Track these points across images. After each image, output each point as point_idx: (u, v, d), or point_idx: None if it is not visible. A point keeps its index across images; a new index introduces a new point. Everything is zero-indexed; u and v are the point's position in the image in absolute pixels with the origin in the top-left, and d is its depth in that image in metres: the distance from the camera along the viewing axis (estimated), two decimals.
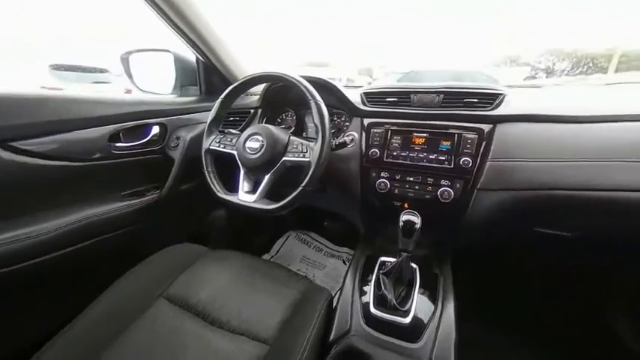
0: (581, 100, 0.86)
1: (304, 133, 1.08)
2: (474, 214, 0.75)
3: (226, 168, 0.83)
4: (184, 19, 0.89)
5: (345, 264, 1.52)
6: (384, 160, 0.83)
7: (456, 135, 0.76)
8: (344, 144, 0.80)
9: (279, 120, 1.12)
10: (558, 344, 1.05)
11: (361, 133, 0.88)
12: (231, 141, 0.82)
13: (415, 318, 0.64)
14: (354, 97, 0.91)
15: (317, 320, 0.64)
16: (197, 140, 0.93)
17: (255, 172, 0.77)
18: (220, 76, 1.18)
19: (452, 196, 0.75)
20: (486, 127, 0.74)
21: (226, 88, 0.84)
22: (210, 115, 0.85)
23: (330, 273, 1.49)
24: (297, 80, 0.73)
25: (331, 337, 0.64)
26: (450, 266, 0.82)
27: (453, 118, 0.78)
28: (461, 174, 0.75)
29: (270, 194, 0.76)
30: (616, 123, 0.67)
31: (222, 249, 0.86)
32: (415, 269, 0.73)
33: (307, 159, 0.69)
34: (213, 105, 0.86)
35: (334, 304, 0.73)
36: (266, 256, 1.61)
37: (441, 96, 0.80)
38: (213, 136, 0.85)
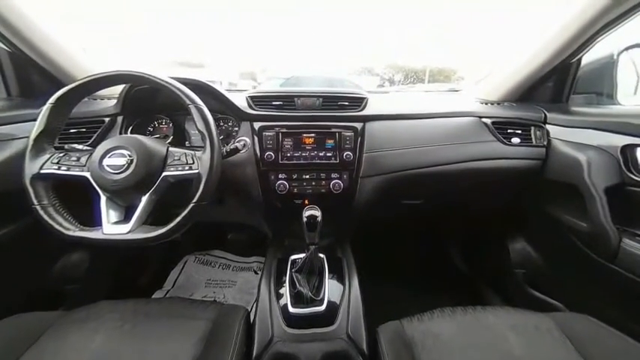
0: (414, 102, 1.17)
1: (187, 142, 0.95)
2: (360, 199, 0.89)
3: (76, 197, 0.62)
4: None
5: (257, 273, 1.47)
6: (280, 162, 0.85)
7: (337, 133, 0.87)
8: (236, 150, 0.76)
9: (150, 129, 0.93)
10: (427, 279, 1.43)
11: (253, 137, 0.86)
12: (78, 160, 0.62)
13: (329, 303, 0.69)
14: (240, 101, 0.88)
15: (236, 341, 0.59)
16: (9, 164, 0.65)
17: (125, 195, 0.61)
18: (44, 74, 0.87)
19: (342, 187, 0.86)
20: (359, 125, 0.89)
21: (56, 90, 0.62)
22: (35, 127, 0.61)
23: (242, 287, 1.39)
24: (167, 82, 0.62)
25: (254, 353, 0.61)
26: (349, 248, 0.94)
27: (333, 118, 0.89)
28: (346, 166, 0.87)
29: (154, 218, 0.63)
30: (435, 119, 0.96)
31: (88, 304, 0.64)
32: (323, 258, 0.79)
33: (195, 170, 0.61)
34: (35, 113, 0.62)
35: (252, 318, 0.69)
36: (159, 293, 1.33)
37: (321, 99, 0.90)
38: (47, 156, 0.61)
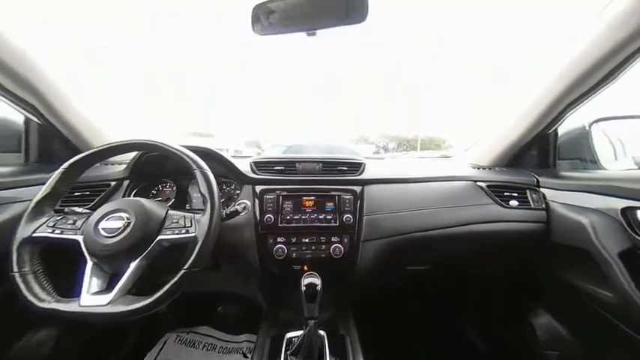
0: (409, 167, 1.23)
1: (187, 205, 0.95)
2: (362, 264, 0.84)
3: (59, 264, 0.59)
4: (11, 72, 0.70)
5: (247, 357, 1.26)
6: (279, 225, 0.84)
7: (337, 196, 0.89)
8: (236, 212, 0.76)
9: (153, 192, 0.95)
10: (439, 356, 1.24)
11: (254, 200, 0.87)
12: (74, 223, 0.61)
13: None
14: (244, 166, 0.93)
15: None
16: (5, 226, 0.64)
17: (114, 260, 0.58)
18: (64, 142, 0.93)
19: (342, 251, 0.82)
20: (358, 189, 0.91)
21: (72, 156, 0.66)
22: (42, 191, 0.62)
23: None
24: (177, 149, 0.66)
25: None
26: (352, 322, 0.84)
27: (332, 182, 0.92)
28: (346, 229, 0.85)
29: (139, 287, 0.58)
30: (432, 182, 0.99)
31: None
32: (323, 336, 0.70)
33: (192, 234, 0.59)
34: (45, 177, 0.64)
35: None
36: None
37: (321, 164, 0.94)
38: (45, 218, 0.60)
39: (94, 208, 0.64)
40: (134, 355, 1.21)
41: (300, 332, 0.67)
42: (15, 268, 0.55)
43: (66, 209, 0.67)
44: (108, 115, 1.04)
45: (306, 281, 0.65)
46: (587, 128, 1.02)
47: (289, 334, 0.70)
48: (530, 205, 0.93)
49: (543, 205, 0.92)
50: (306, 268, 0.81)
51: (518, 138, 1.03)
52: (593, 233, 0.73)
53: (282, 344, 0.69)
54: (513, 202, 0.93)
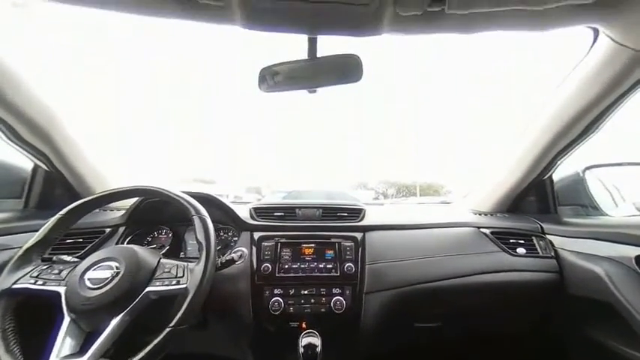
0: (410, 213, 1.22)
1: (182, 253, 0.92)
2: (367, 321, 0.77)
3: (33, 321, 0.53)
4: (30, 122, 0.75)
5: None
6: (277, 275, 0.79)
7: (337, 244, 0.86)
8: (232, 261, 0.73)
9: (148, 239, 0.93)
10: None
11: (251, 248, 0.84)
12: (59, 273, 0.57)
13: None
14: (243, 212, 0.92)
15: None
16: None
17: (94, 316, 0.53)
18: (67, 188, 0.94)
19: (344, 305, 0.76)
20: (359, 235, 0.89)
21: (71, 202, 0.66)
22: (33, 238, 0.60)
23: None
24: (177, 195, 0.67)
25: None
26: None
27: (332, 229, 0.90)
28: (348, 280, 0.80)
29: (117, 348, 0.52)
30: (434, 229, 0.96)
31: None
32: None
33: (183, 285, 0.56)
34: (40, 224, 0.63)
35: None
36: None
37: (321, 210, 0.93)
38: (30, 268, 0.57)
39: (84, 256, 0.62)
40: None
41: None
42: None
43: (54, 258, 0.64)
44: (112, 159, 1.07)
45: (304, 341, 0.59)
46: (580, 175, 1.05)
47: None
48: (538, 253, 0.90)
49: (552, 253, 0.89)
50: (304, 325, 0.74)
51: (515, 184, 1.05)
52: (611, 284, 0.69)
53: None
54: (521, 250, 0.90)
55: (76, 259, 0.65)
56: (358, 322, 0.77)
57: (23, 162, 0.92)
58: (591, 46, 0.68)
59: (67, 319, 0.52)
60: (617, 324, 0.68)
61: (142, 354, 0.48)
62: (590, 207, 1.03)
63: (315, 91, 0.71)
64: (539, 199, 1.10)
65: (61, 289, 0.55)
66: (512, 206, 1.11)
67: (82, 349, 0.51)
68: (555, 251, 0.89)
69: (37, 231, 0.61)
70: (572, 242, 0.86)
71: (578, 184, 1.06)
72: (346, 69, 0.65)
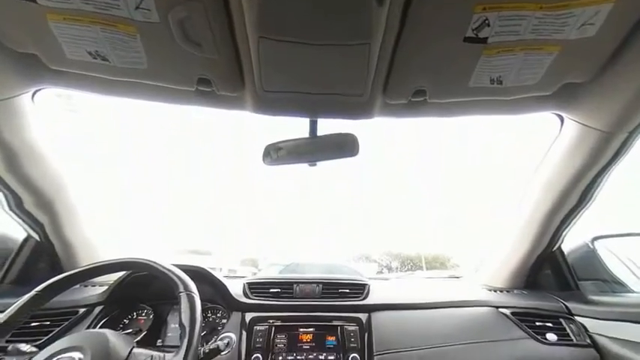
0: (419, 289, 1.12)
1: (159, 341, 0.79)
2: None
3: None
4: (37, 192, 0.76)
5: None
6: None
7: (339, 327, 0.75)
8: (216, 350, 0.62)
9: (125, 321, 0.82)
10: None
11: (241, 333, 0.73)
12: None
13: None
14: (236, 288, 0.84)
15: None
16: None
17: None
18: (53, 261, 0.89)
19: None
20: (363, 317, 0.79)
21: (52, 276, 0.60)
22: None
23: None
24: (167, 269, 0.62)
25: None
26: None
27: (334, 308, 0.81)
28: None
29: None
30: (449, 308, 0.86)
31: None
32: None
33: None
34: (8, 303, 0.56)
35: None
36: None
37: (321, 286, 0.86)
38: None
39: (44, 345, 0.53)
40: None
41: None
42: None
43: (9, 347, 0.55)
44: (107, 229, 1.04)
45: None
46: (590, 246, 1.01)
47: None
48: (572, 340, 0.78)
49: (588, 341, 0.77)
50: None
51: (524, 257, 0.99)
52: None
53: None
54: (551, 336, 0.78)
55: (34, 349, 0.56)
56: None
57: (14, 232, 0.89)
58: (560, 130, 0.75)
59: None
60: None
61: None
62: (613, 282, 0.95)
63: (315, 165, 0.75)
64: (555, 273, 1.03)
65: None
66: (529, 281, 1.02)
67: None
68: (591, 337, 0.77)
69: (3, 311, 0.54)
70: (607, 326, 0.76)
71: (590, 255, 1.01)
72: (344, 145, 0.71)
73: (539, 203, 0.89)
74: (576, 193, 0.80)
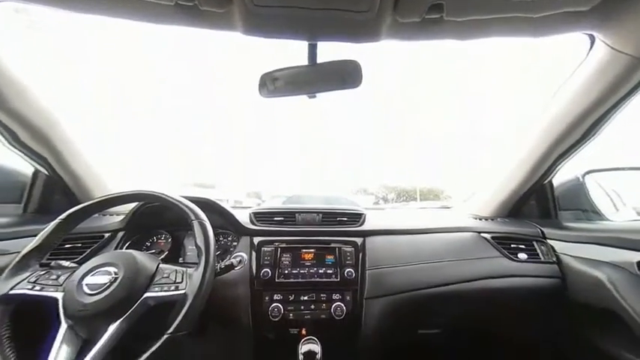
0: (411, 218, 1.22)
1: (181, 259, 0.91)
2: (368, 327, 0.76)
3: (29, 328, 0.53)
4: (29, 125, 0.75)
5: None
6: (276, 280, 0.79)
7: (337, 249, 0.85)
8: (231, 266, 0.72)
9: (147, 244, 0.92)
10: None
11: (251, 253, 0.83)
12: (57, 279, 0.57)
13: None
14: (243, 217, 0.92)
15: None
16: None
17: (92, 322, 0.52)
18: (65, 193, 0.94)
19: (345, 311, 0.75)
20: (359, 240, 0.88)
21: (70, 207, 0.65)
22: (32, 243, 0.60)
23: None
24: (177, 200, 0.66)
25: None
26: None
27: (332, 233, 0.89)
28: (348, 285, 0.79)
29: (113, 356, 0.51)
30: (436, 234, 0.96)
31: None
32: None
33: (182, 291, 0.55)
34: (39, 229, 0.63)
35: None
36: None
37: (321, 215, 0.93)
38: (27, 274, 0.57)
39: (82, 262, 0.61)
40: None
41: None
42: None
43: (52, 263, 0.63)
44: (111, 163, 1.07)
45: (304, 349, 0.58)
46: (580, 179, 1.05)
47: None
48: (540, 259, 0.89)
49: (554, 259, 0.88)
50: (304, 332, 0.73)
51: (515, 189, 1.05)
52: (614, 290, 0.68)
53: None
54: (522, 255, 0.89)
55: (74, 265, 0.65)
56: (359, 328, 0.76)
57: (24, 167, 0.93)
58: (588, 52, 0.68)
59: (63, 326, 0.52)
60: (620, 331, 0.68)
61: None
62: (591, 212, 1.03)
63: (314, 97, 0.71)
64: (539, 203, 1.10)
65: (59, 295, 0.54)
66: (513, 211, 1.11)
67: (79, 357, 0.50)
68: (557, 256, 0.88)
69: (35, 236, 0.61)
70: (573, 247, 0.86)
71: (578, 188, 1.06)
72: (346, 74, 0.66)
73: (542, 136, 0.88)
74: (584, 126, 0.79)
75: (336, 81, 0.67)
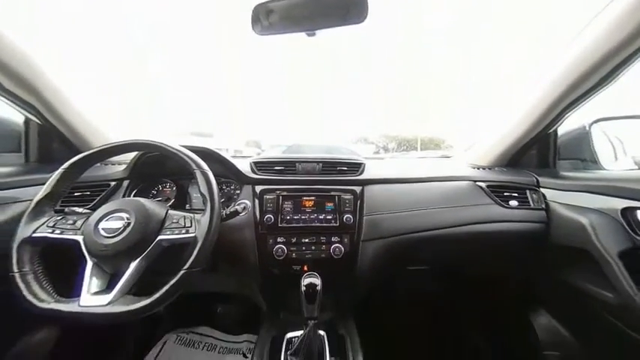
0: (410, 167, 1.23)
1: (187, 205, 0.95)
2: (363, 264, 0.84)
3: (60, 264, 0.59)
4: (11, 72, 0.71)
5: (247, 357, 1.26)
6: (279, 225, 0.84)
7: (337, 197, 0.89)
8: (236, 213, 0.76)
9: (153, 192, 0.95)
10: (441, 356, 1.24)
11: (254, 200, 0.87)
12: (74, 223, 0.61)
13: None
14: (243, 166, 0.93)
15: None
16: (6, 226, 0.64)
17: (114, 260, 0.58)
18: (64, 142, 0.93)
19: (342, 251, 0.82)
20: (358, 189, 0.91)
21: (72, 156, 0.66)
22: (42, 191, 0.62)
23: None
24: (177, 150, 0.66)
25: None
26: (353, 323, 0.84)
27: (332, 182, 0.92)
28: (346, 229, 0.85)
29: (138, 287, 0.58)
30: (432, 182, 0.99)
31: None
32: (323, 336, 0.70)
33: (192, 234, 0.59)
34: (45, 177, 0.64)
35: None
36: None
37: (321, 165, 0.94)
38: (45, 219, 0.60)
39: (94, 208, 0.64)
40: (134, 356, 1.21)
41: (300, 332, 0.67)
42: (15, 269, 0.55)
43: (66, 209, 0.67)
44: (105, 114, 1.04)
45: (306, 281, 0.65)
46: (587, 128, 1.02)
47: (289, 335, 0.71)
48: (530, 205, 0.93)
49: (543, 205, 0.92)
50: (306, 268, 0.81)
51: (518, 138, 1.03)
52: (593, 233, 0.73)
53: (282, 344, 0.69)
54: (513, 202, 0.93)
55: (87, 211, 0.69)
56: (355, 265, 0.84)
57: (18, 117, 0.90)
58: None
59: (89, 263, 0.57)
60: (591, 269, 0.74)
61: (160, 292, 0.54)
62: (589, 161, 1.04)
63: (314, 34, 0.65)
64: (540, 153, 1.10)
65: (79, 238, 0.59)
66: (513, 161, 1.11)
67: (109, 287, 0.57)
68: (546, 204, 0.92)
69: (43, 184, 0.63)
70: (564, 195, 0.89)
71: (582, 138, 1.04)
72: (350, 7, 0.58)
73: (555, 83, 0.83)
74: (600, 73, 0.74)
75: (338, 15, 0.60)
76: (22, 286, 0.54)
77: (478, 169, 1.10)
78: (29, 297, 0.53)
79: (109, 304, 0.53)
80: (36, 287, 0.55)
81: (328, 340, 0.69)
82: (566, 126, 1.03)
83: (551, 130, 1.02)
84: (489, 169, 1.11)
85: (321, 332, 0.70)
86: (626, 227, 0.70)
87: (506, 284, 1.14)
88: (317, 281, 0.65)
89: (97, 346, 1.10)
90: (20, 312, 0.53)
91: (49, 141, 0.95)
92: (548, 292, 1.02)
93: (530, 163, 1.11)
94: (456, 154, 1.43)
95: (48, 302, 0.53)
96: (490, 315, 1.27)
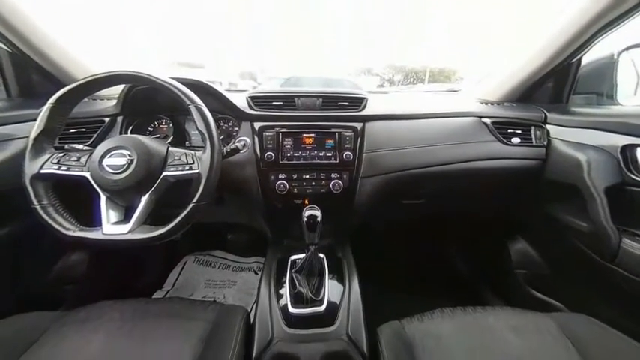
0: (414, 102, 1.17)
1: (187, 143, 0.95)
2: (360, 199, 0.89)
3: (75, 197, 0.62)
4: None
5: (257, 274, 1.47)
6: (280, 162, 0.85)
7: (337, 134, 0.87)
8: (236, 150, 0.76)
9: (150, 129, 0.93)
10: (427, 279, 1.42)
11: (253, 138, 0.86)
12: (78, 160, 0.62)
13: (329, 303, 0.69)
14: (240, 101, 0.88)
15: (235, 342, 0.59)
16: (9, 164, 0.65)
17: (125, 195, 0.61)
18: (45, 74, 0.87)
19: (342, 187, 0.86)
20: (359, 125, 0.89)
21: (57, 90, 0.62)
22: (35, 127, 0.60)
23: (242, 288, 1.39)
24: (167, 82, 0.62)
25: (254, 353, 0.61)
26: (350, 248, 0.94)
27: (333, 119, 0.89)
28: (346, 166, 0.87)
29: (153, 218, 0.63)
30: (435, 119, 0.96)
31: (87, 304, 0.65)
32: (323, 258, 0.79)
33: (195, 171, 0.61)
34: (35, 113, 0.62)
35: (252, 318, 0.69)
36: (159, 293, 1.33)
37: (321, 99, 0.89)
38: (47, 156, 0.61)
39: (93, 145, 0.64)
40: (159, 274, 1.41)
41: (303, 255, 0.76)
42: (35, 202, 0.58)
43: (66, 146, 0.67)
44: (83, 44, 0.94)
45: (306, 213, 0.70)
46: (615, 57, 0.93)
47: (293, 257, 0.80)
48: (531, 143, 0.93)
49: (545, 143, 0.92)
50: (307, 202, 0.86)
51: (535, 69, 0.95)
52: (586, 170, 0.74)
53: (287, 264, 0.79)
54: (515, 140, 0.92)
55: (88, 148, 0.69)
56: (353, 199, 0.89)
57: None
58: None
59: (103, 197, 0.61)
60: (575, 203, 0.78)
61: (173, 223, 0.59)
62: (605, 96, 0.98)
63: None
64: (555, 86, 1.03)
65: (87, 174, 0.60)
66: (525, 95, 1.05)
67: (126, 217, 0.62)
68: (549, 140, 0.91)
69: (34, 120, 0.61)
70: (568, 132, 0.87)
71: (606, 68, 0.95)
72: None
73: (585, 7, 0.73)
74: None
75: None
76: (45, 217, 0.58)
77: (486, 104, 1.05)
78: (55, 226, 0.58)
79: (129, 232, 0.58)
80: (59, 218, 0.59)
81: (327, 262, 0.79)
82: (589, 56, 0.94)
83: (574, 59, 0.93)
84: (498, 104, 1.05)
85: (321, 255, 0.79)
86: (622, 164, 0.71)
87: (492, 217, 1.23)
88: (317, 213, 0.70)
89: (127, 265, 1.27)
90: (52, 238, 0.59)
91: (27, 74, 0.88)
92: (529, 223, 1.10)
93: (542, 97, 1.05)
94: (465, 87, 1.34)
95: (73, 231, 0.59)
96: (472, 243, 1.42)
